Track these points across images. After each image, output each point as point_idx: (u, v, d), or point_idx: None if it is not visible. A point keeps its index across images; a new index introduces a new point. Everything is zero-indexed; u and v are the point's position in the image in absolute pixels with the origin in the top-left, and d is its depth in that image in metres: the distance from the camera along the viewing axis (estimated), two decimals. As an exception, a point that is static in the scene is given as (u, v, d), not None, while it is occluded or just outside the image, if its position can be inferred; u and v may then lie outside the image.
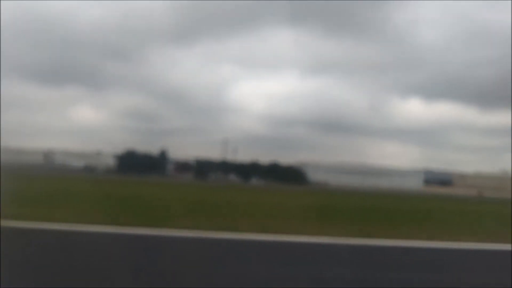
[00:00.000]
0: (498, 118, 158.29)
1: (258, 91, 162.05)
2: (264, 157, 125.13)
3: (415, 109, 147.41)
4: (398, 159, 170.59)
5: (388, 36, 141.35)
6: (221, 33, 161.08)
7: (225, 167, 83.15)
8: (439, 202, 37.05)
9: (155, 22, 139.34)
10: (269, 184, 67.29)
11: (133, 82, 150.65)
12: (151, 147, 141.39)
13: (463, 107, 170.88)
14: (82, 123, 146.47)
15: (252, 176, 79.06)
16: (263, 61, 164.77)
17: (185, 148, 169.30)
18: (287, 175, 77.97)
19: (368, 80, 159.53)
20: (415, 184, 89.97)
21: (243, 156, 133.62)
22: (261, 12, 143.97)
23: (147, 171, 75.84)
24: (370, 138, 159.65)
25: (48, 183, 30.65)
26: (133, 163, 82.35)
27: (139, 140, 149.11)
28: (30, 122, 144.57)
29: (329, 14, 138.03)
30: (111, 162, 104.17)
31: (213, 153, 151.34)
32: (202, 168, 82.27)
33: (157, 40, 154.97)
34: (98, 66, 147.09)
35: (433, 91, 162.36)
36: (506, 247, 10.52)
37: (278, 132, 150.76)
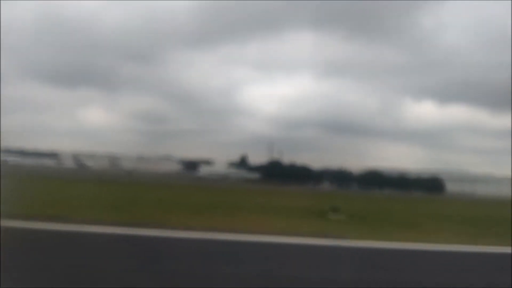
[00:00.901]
0: (508, 120, 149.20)
1: (271, 93, 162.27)
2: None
3: (427, 112, 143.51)
4: (403, 160, 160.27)
5: (412, 39, 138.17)
6: (242, 36, 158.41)
7: (351, 176, 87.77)
8: None
9: (177, 25, 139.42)
10: (408, 194, 68.23)
11: (147, 84, 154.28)
12: (158, 149, 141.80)
13: (476, 110, 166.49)
14: (91, 125, 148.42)
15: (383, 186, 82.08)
16: (280, 64, 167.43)
17: (193, 149, 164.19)
18: (424, 185, 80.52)
19: (383, 82, 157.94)
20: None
21: (255, 157, 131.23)
22: (286, 16, 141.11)
23: (292, 180, 78.38)
24: (379, 140, 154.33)
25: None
26: (278, 173, 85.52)
27: (146, 142, 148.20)
28: (39, 123, 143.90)
29: (355, 18, 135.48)
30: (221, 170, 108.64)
31: (222, 154, 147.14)
32: (341, 178, 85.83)
33: (177, 42, 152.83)
34: (114, 68, 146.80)
35: (447, 94, 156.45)
36: None
37: (287, 134, 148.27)
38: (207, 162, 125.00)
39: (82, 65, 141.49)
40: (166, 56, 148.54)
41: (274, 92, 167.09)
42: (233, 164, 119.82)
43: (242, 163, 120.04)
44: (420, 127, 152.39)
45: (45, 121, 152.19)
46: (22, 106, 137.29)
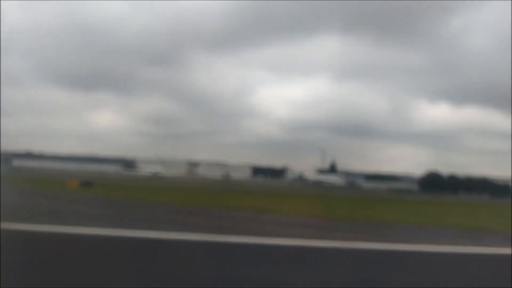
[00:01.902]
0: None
1: (284, 96, 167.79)
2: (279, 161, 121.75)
3: (440, 114, 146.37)
4: (407, 162, 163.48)
5: (438, 42, 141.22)
6: (268, 39, 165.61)
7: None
8: None
9: (202, 29, 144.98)
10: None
11: (165, 88, 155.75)
12: (167, 151, 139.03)
13: (489, 111, 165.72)
14: (104, 128, 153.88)
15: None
16: (298, 67, 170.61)
17: (200, 151, 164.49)
18: None
19: (400, 85, 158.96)
20: None
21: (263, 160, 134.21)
22: (315, 20, 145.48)
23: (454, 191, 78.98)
24: (387, 142, 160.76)
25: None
26: (437, 184, 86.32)
27: (159, 144, 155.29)
28: (50, 126, 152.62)
29: (385, 22, 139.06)
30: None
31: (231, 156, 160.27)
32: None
33: (200, 46, 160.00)
34: (133, 72, 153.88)
35: (463, 95, 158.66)
36: None
37: (295, 137, 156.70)
38: (282, 170, 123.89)
39: (101, 69, 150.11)
40: (187, 60, 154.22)
41: (287, 95, 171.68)
42: (322, 171, 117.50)
43: (332, 170, 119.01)
44: (429, 129, 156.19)
45: (59, 125, 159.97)
46: (38, 110, 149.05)
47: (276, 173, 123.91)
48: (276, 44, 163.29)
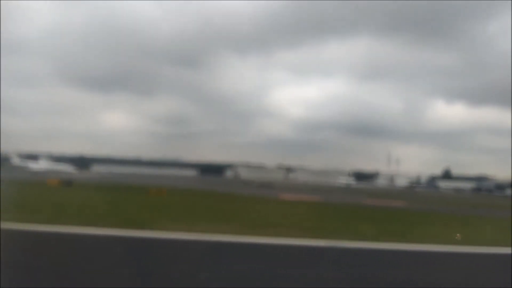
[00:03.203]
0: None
1: (301, 97, 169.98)
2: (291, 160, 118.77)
3: (456, 114, 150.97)
4: (414, 161, 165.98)
5: (470, 43, 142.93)
6: (296, 42, 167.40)
7: None
8: None
9: (231, 32, 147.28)
10: None
11: (184, 88, 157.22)
12: (174, 151, 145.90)
13: (503, 111, 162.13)
14: (113, 129, 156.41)
15: None
16: (322, 69, 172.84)
17: (212, 151, 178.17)
18: None
19: (420, 85, 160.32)
20: None
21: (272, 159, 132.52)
22: (349, 23, 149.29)
23: None
24: (398, 142, 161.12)
25: None
26: None
27: (174, 145, 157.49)
28: (62, 127, 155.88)
29: (419, 24, 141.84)
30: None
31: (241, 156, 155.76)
32: None
33: (227, 47, 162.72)
34: (155, 73, 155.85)
35: (480, 96, 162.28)
36: None
37: (307, 136, 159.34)
38: (373, 174, 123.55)
39: (124, 70, 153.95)
40: (212, 61, 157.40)
41: (305, 96, 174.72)
42: (436, 178, 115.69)
43: (446, 176, 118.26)
44: (441, 128, 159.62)
45: (71, 125, 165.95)
46: (55, 110, 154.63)
47: (367, 177, 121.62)
48: (306, 46, 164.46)
